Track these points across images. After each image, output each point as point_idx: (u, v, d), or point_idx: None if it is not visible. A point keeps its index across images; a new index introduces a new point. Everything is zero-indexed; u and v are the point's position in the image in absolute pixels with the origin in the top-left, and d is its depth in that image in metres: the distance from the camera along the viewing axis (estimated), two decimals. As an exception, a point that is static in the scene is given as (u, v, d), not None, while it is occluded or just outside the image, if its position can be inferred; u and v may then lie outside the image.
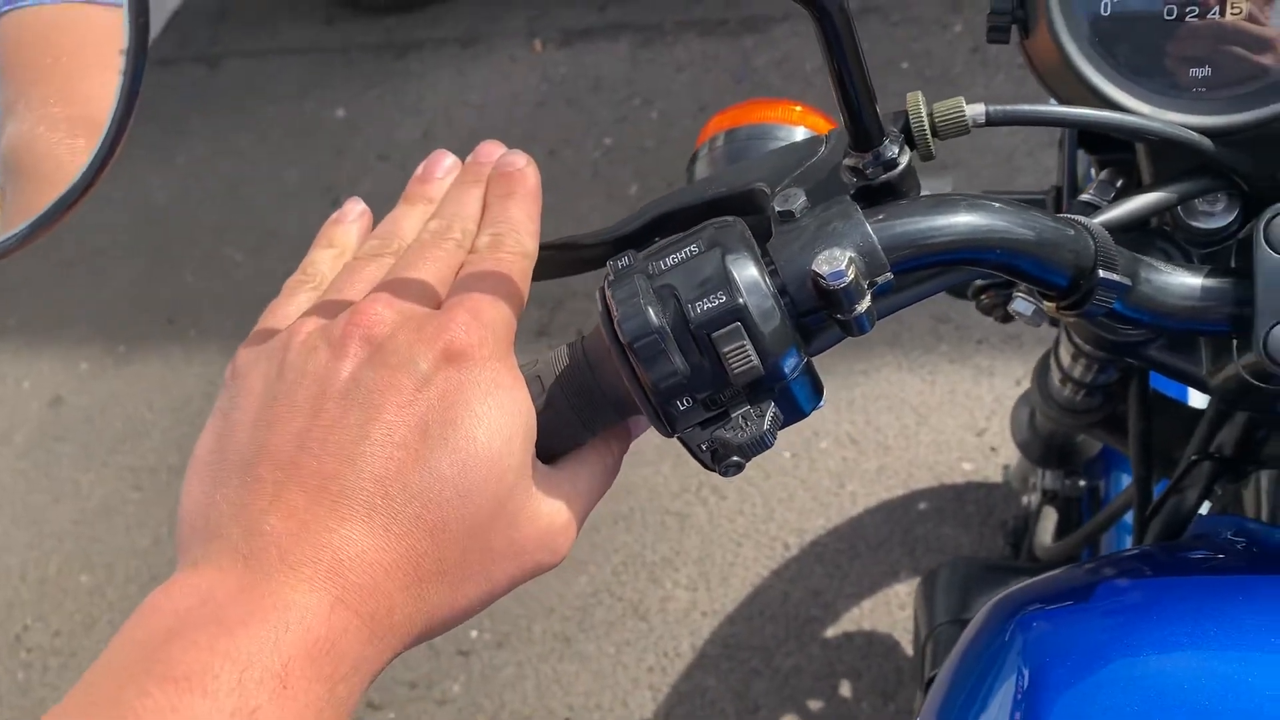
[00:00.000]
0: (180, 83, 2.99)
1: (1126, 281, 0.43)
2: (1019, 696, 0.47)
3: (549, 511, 0.43)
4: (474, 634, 1.76)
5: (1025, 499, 1.13)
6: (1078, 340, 0.66)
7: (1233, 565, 0.51)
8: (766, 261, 0.41)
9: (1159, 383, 0.77)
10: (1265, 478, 0.56)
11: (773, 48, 2.54)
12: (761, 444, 0.41)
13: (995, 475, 1.75)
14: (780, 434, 0.42)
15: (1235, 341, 0.46)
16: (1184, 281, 0.45)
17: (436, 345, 0.40)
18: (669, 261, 0.42)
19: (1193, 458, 0.64)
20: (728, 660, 1.65)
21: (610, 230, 0.53)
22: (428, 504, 0.39)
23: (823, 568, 1.72)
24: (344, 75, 2.86)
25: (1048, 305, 0.46)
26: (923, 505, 1.74)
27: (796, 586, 1.71)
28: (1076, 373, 0.71)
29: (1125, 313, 0.45)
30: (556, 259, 0.54)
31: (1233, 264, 0.47)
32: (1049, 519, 1.00)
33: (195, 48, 3.09)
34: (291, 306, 0.45)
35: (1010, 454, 1.58)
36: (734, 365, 0.40)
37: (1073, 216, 0.45)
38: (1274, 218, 0.44)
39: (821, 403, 0.45)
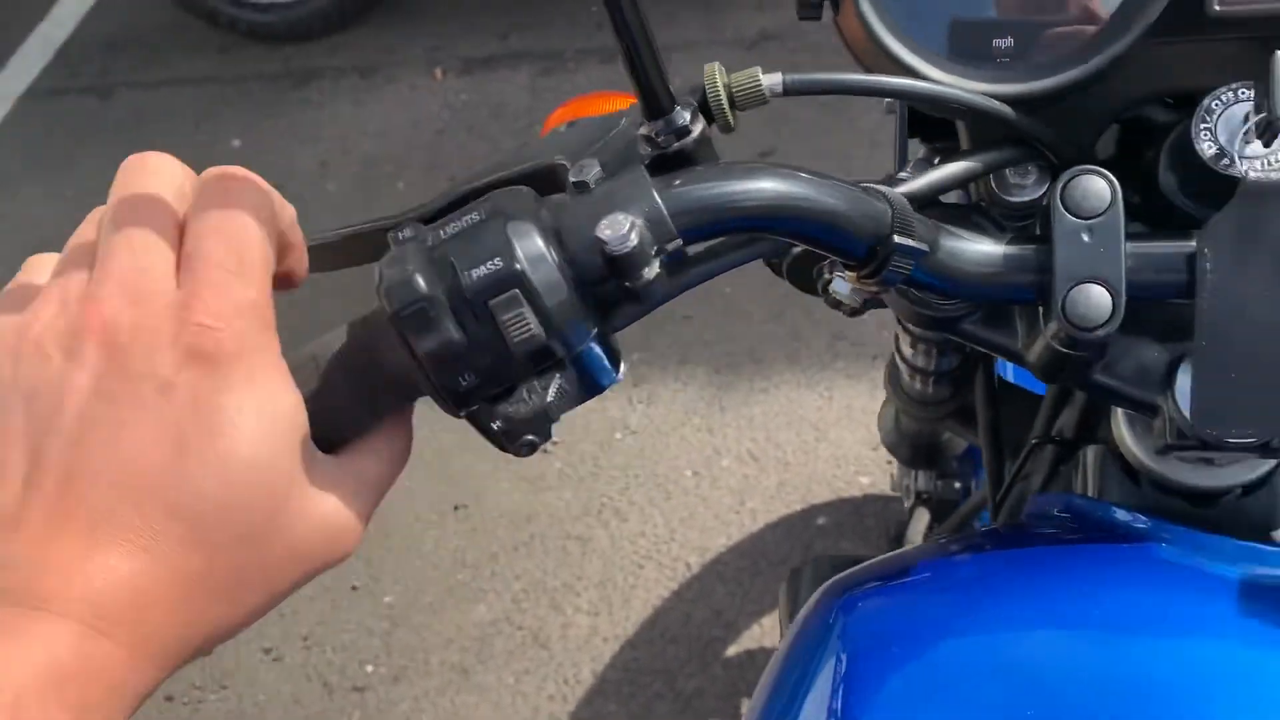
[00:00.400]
0: (70, 114, 2.91)
1: (923, 247, 0.43)
2: (838, 677, 0.45)
3: (330, 510, 0.40)
4: (369, 669, 1.70)
5: (906, 503, 1.14)
6: (904, 322, 0.65)
7: (1057, 540, 0.51)
8: (555, 230, 0.40)
9: (1011, 374, 0.77)
10: (1090, 453, 0.56)
11: (675, 73, 2.55)
12: (545, 418, 0.40)
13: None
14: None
15: (1041, 310, 0.46)
16: (984, 249, 0.45)
17: (180, 343, 0.37)
18: (449, 230, 0.40)
19: (1033, 441, 0.64)
20: (629, 685, 1.62)
21: (413, 211, 0.51)
22: (192, 523, 0.36)
23: (724, 586, 1.71)
24: (240, 105, 2.81)
25: (849, 275, 0.45)
26: (822, 520, 1.74)
27: (698, 606, 1.69)
28: (919, 361, 0.71)
29: (924, 279, 0.44)
30: (364, 245, 0.52)
31: (1037, 231, 0.46)
32: (920, 520, 1.00)
33: (85, 79, 3.01)
34: (34, 281, 0.41)
35: (904, 465, 1.59)
36: (513, 334, 0.38)
37: (872, 185, 0.45)
38: (1070, 181, 0.44)
39: (619, 376, 0.43)
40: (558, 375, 0.40)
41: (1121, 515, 0.50)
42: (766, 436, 1.88)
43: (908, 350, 0.71)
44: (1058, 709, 0.42)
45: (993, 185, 0.51)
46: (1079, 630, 0.44)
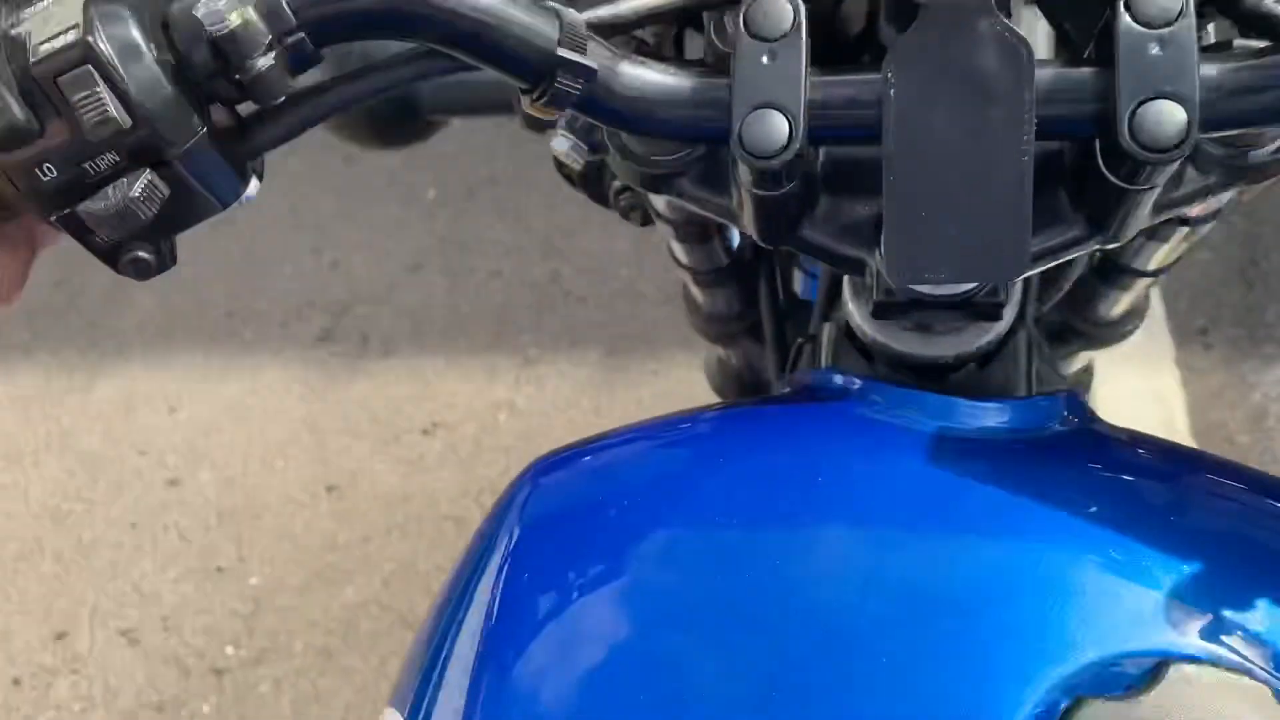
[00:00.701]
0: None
1: (591, 64, 0.39)
2: (505, 553, 0.41)
3: None
4: (229, 650, 1.63)
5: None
6: (628, 187, 0.63)
7: (765, 410, 0.48)
8: (160, 15, 0.36)
9: (801, 287, 0.74)
10: (826, 330, 0.53)
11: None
12: (129, 216, 0.36)
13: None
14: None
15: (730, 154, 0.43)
16: (667, 79, 0.41)
17: None
18: (30, 10, 0.36)
19: (799, 341, 0.61)
20: (496, 667, 1.56)
21: None
22: None
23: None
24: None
25: (526, 100, 0.41)
26: (702, 501, 1.71)
27: (574, 589, 1.64)
28: (693, 260, 0.67)
29: (602, 107, 0.41)
30: None
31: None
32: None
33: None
34: None
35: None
36: (86, 116, 0.34)
37: (548, 3, 0.41)
38: (753, 2, 0.40)
39: (248, 195, 0.39)
40: (147, 171, 0.36)
41: (838, 379, 0.47)
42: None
43: (681, 255, 0.67)
44: (721, 575, 0.38)
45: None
46: (754, 487, 0.40)
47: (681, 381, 1.87)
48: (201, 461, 1.85)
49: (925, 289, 0.43)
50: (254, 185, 0.41)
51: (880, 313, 0.45)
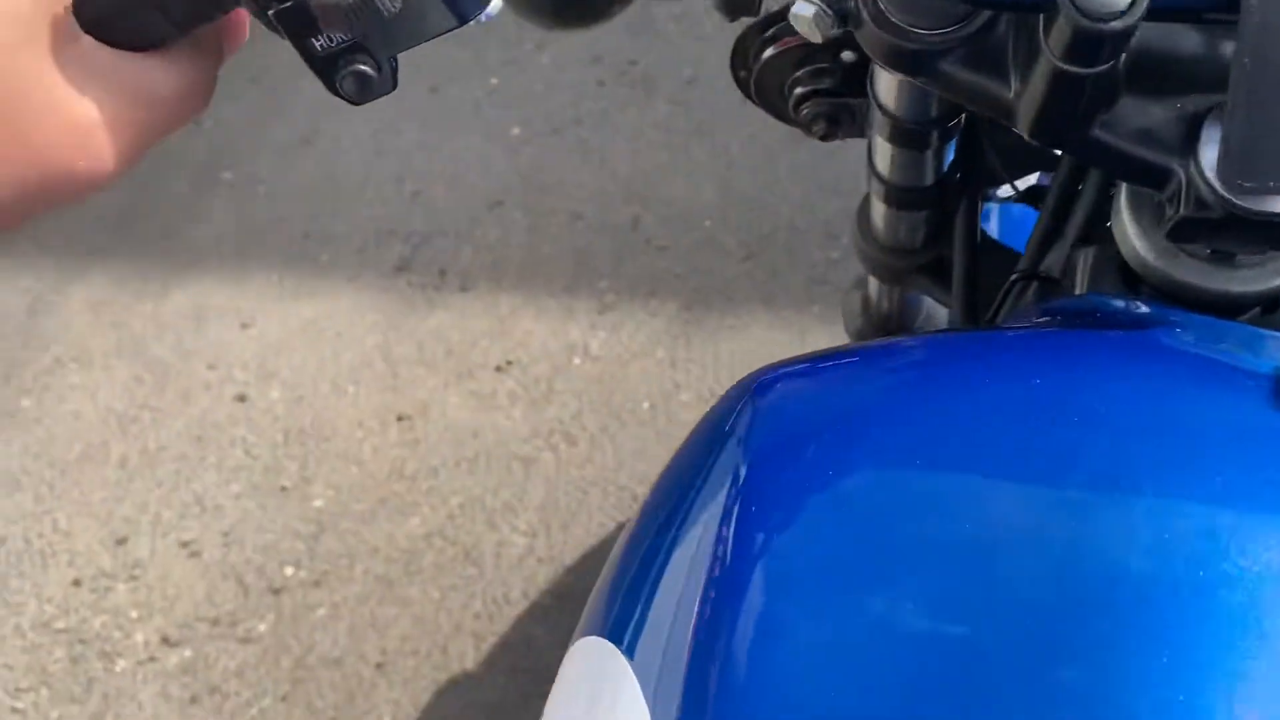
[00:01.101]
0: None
1: None
2: (735, 467, 0.37)
3: (78, 103, 0.32)
4: (289, 571, 1.61)
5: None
6: (813, 94, 0.58)
7: (1033, 335, 0.42)
8: None
9: (995, 226, 0.70)
10: (1084, 256, 0.48)
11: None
12: (366, 12, 0.32)
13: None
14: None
15: (1043, 20, 0.38)
16: None
17: None
18: None
19: (1014, 277, 0.56)
20: (559, 610, 1.53)
21: None
22: None
23: (671, 522, 1.63)
24: None
25: None
26: (779, 462, 1.66)
27: (641, 540, 1.61)
28: (896, 171, 0.61)
29: None
30: None
31: None
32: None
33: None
34: None
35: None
36: None
37: None
38: None
39: (489, 13, 0.35)
40: None
41: (1119, 303, 0.41)
42: (731, 376, 1.79)
43: (886, 164, 0.62)
44: (993, 509, 0.33)
45: None
46: (1027, 417, 0.35)
47: (762, 341, 1.82)
48: (271, 380, 1.83)
49: (1252, 205, 0.38)
50: (496, 2, 0.36)
51: (1180, 233, 0.39)
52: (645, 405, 1.76)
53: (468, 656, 1.51)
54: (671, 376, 1.80)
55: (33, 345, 1.92)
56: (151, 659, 1.55)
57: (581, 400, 1.78)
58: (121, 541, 1.67)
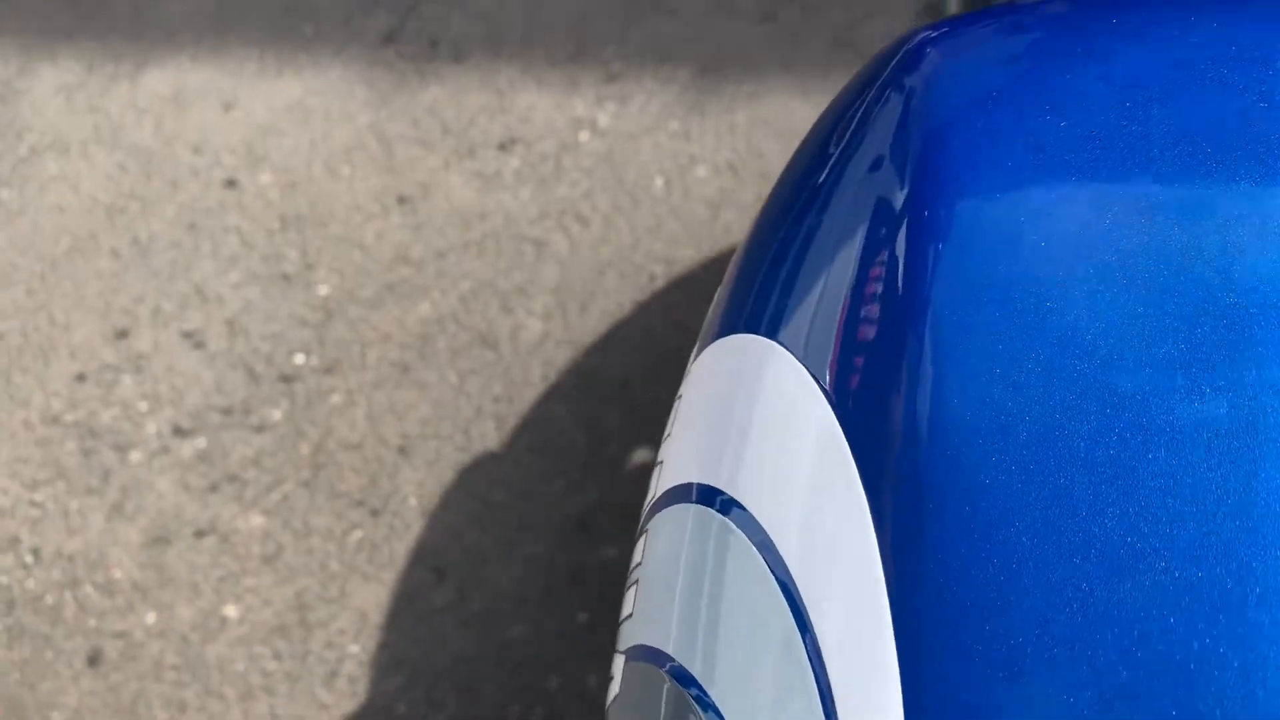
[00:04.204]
0: None
1: None
2: (907, 116, 0.30)
3: None
4: (299, 359, 1.57)
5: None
6: None
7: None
8: None
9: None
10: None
11: None
12: None
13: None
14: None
15: None
16: None
17: None
18: None
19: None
20: (581, 390, 1.50)
21: None
22: None
23: (690, 300, 1.58)
24: None
25: None
26: (803, 234, 1.59)
27: (661, 318, 1.56)
28: None
29: None
30: None
31: None
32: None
33: None
34: None
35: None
36: None
37: None
38: None
39: None
40: None
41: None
42: (748, 146, 1.70)
43: None
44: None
45: None
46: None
47: (782, 108, 1.72)
48: (260, 164, 1.73)
49: None
50: None
51: None
52: (659, 181, 1.67)
53: (490, 437, 1.48)
54: (686, 149, 1.70)
55: (6, 135, 1.81)
56: (165, 449, 1.52)
57: (592, 178, 1.69)
58: (122, 334, 1.61)
